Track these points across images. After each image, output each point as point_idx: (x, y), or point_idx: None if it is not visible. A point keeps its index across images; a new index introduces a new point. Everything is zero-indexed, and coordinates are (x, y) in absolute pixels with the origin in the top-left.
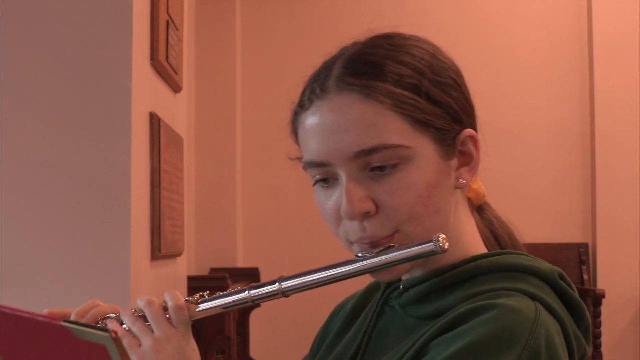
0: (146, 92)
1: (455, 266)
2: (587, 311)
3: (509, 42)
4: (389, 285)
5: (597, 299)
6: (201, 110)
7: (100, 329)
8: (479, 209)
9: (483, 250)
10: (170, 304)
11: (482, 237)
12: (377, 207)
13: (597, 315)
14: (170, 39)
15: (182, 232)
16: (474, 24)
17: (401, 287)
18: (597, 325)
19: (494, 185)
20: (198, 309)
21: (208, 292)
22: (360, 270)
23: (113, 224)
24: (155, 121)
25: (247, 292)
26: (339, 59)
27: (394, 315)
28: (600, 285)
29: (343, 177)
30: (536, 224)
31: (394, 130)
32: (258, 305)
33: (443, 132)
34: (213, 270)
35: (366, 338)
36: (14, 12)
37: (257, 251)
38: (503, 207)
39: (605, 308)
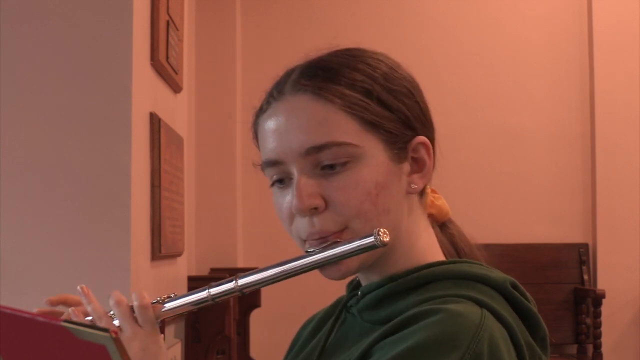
0: (146, 92)
1: (409, 272)
2: (541, 321)
3: (509, 42)
4: (350, 292)
5: (597, 299)
6: (201, 110)
7: (100, 328)
8: (442, 225)
9: (440, 258)
10: (135, 303)
11: (442, 248)
12: (327, 203)
13: (597, 315)
14: (170, 39)
15: (182, 232)
16: (474, 24)
17: (359, 293)
18: (597, 325)
19: (494, 185)
20: (164, 309)
21: (175, 293)
22: (308, 265)
23: (113, 224)
24: (155, 121)
25: (206, 291)
26: (298, 66)
27: (353, 321)
28: (600, 285)
29: (295, 173)
30: (536, 224)
31: (344, 128)
32: (257, 306)
33: (393, 135)
34: (213, 270)
35: (323, 342)
36: (14, 12)
37: (257, 251)
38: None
39: (605, 308)
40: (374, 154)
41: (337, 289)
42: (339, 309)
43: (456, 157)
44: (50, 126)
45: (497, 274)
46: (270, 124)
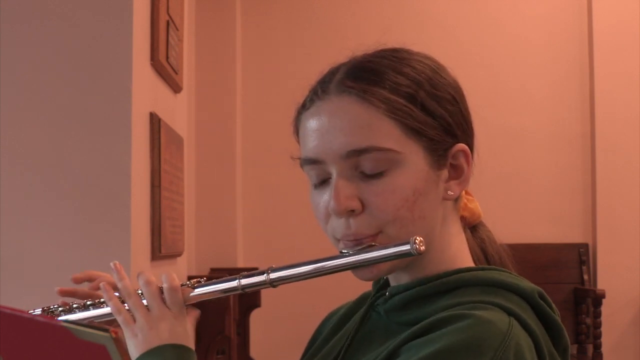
0: (146, 92)
1: (439, 276)
2: (565, 332)
3: (509, 42)
4: (378, 291)
5: (597, 299)
6: (201, 110)
7: (100, 328)
8: (473, 228)
9: (469, 264)
10: (165, 285)
11: (471, 253)
12: (364, 206)
13: (597, 315)
14: (170, 39)
15: (182, 232)
16: (474, 24)
17: (387, 293)
18: (597, 325)
19: (494, 185)
20: (192, 293)
21: (205, 278)
22: (342, 266)
23: (113, 224)
24: (155, 121)
25: (237, 281)
26: (344, 65)
27: (378, 320)
28: (600, 285)
29: (334, 174)
30: (536, 224)
31: (386, 134)
32: (257, 306)
33: (434, 142)
34: (213, 270)
35: (349, 340)
36: (14, 12)
37: (257, 251)
38: (503, 207)
39: (605, 308)
40: (414, 160)
41: (337, 290)
42: (365, 307)
43: None
44: (50, 126)
45: (526, 284)
46: (312, 123)
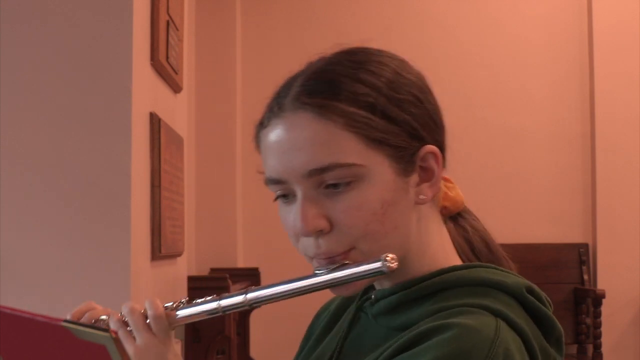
0: (146, 92)
1: (422, 279)
2: (556, 322)
3: (509, 41)
4: (365, 291)
5: (597, 299)
6: (201, 110)
7: (100, 328)
8: (454, 218)
9: (455, 261)
10: (149, 312)
11: (456, 247)
12: (332, 224)
13: (597, 315)
14: (170, 39)
15: (182, 232)
16: (474, 24)
17: (372, 296)
18: (597, 325)
19: (494, 185)
20: (177, 316)
21: (187, 298)
22: (317, 285)
23: (113, 224)
24: (155, 121)
25: (217, 302)
26: (299, 76)
27: (367, 322)
28: (600, 285)
29: (299, 194)
30: (536, 224)
31: (347, 148)
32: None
33: (399, 149)
34: (213, 270)
35: (340, 344)
36: (14, 12)
37: (257, 251)
38: (503, 207)
39: (605, 308)
40: (380, 171)
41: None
42: (353, 310)
43: (456, 156)
44: (50, 126)
45: (512, 279)
46: (271, 141)
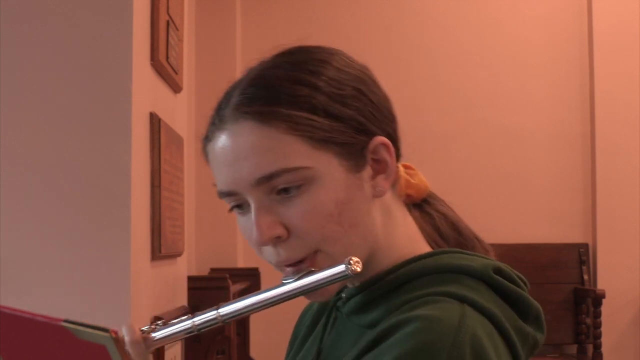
0: (146, 92)
1: (388, 273)
2: (531, 300)
3: (509, 42)
4: (337, 293)
5: (597, 299)
6: (201, 110)
7: (100, 328)
8: (420, 205)
9: (423, 249)
10: (127, 338)
11: (424, 234)
12: (289, 230)
13: (597, 315)
14: (170, 39)
15: (182, 232)
16: (474, 24)
17: (343, 296)
18: (597, 325)
19: (494, 185)
20: (154, 339)
21: (161, 320)
22: (286, 294)
23: (113, 224)
24: (155, 121)
25: (191, 321)
26: (238, 85)
27: (343, 322)
28: (600, 285)
29: (252, 203)
30: (536, 224)
31: (293, 152)
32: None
33: (347, 145)
34: (213, 270)
35: (318, 344)
36: (14, 12)
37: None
38: (503, 207)
39: (605, 308)
40: (329, 171)
41: None
42: (327, 311)
43: (456, 157)
44: (50, 126)
45: (478, 262)
46: (217, 154)
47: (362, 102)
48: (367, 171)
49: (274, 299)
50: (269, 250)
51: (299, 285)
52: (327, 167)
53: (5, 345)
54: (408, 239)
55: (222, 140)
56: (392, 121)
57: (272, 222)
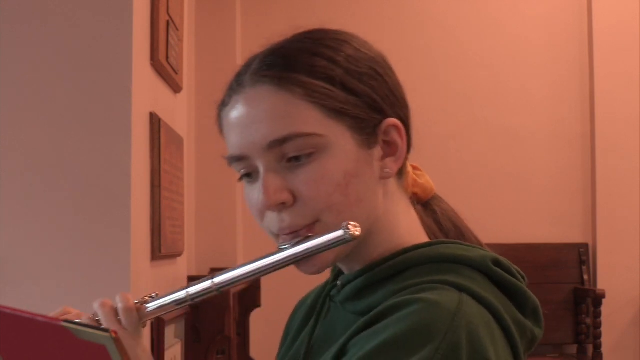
0: (146, 92)
1: (386, 259)
2: (529, 294)
3: (509, 42)
4: (333, 280)
5: (597, 299)
6: (201, 110)
7: (100, 328)
8: (426, 203)
9: (423, 239)
10: (119, 305)
11: (425, 229)
12: (295, 197)
13: (597, 315)
14: (170, 39)
15: (182, 232)
16: (474, 24)
17: (339, 283)
18: (597, 325)
19: (494, 185)
20: (147, 309)
21: (156, 293)
22: (282, 261)
23: (113, 224)
24: (155, 121)
25: (185, 291)
26: (259, 55)
27: (336, 311)
28: (600, 285)
29: (261, 168)
30: (536, 224)
31: (307, 119)
32: (257, 306)
33: (360, 120)
34: (213, 270)
35: (310, 338)
36: (14, 12)
37: (257, 251)
38: (503, 207)
39: (605, 308)
40: (341, 142)
41: None
42: (321, 300)
43: (456, 157)
44: (50, 126)
45: (476, 253)
46: (232, 118)
47: (377, 82)
48: (378, 151)
49: (269, 267)
50: (272, 216)
51: (296, 251)
52: (339, 138)
53: (5, 345)
54: (409, 229)
55: (239, 104)
56: (405, 107)
57: (280, 186)
